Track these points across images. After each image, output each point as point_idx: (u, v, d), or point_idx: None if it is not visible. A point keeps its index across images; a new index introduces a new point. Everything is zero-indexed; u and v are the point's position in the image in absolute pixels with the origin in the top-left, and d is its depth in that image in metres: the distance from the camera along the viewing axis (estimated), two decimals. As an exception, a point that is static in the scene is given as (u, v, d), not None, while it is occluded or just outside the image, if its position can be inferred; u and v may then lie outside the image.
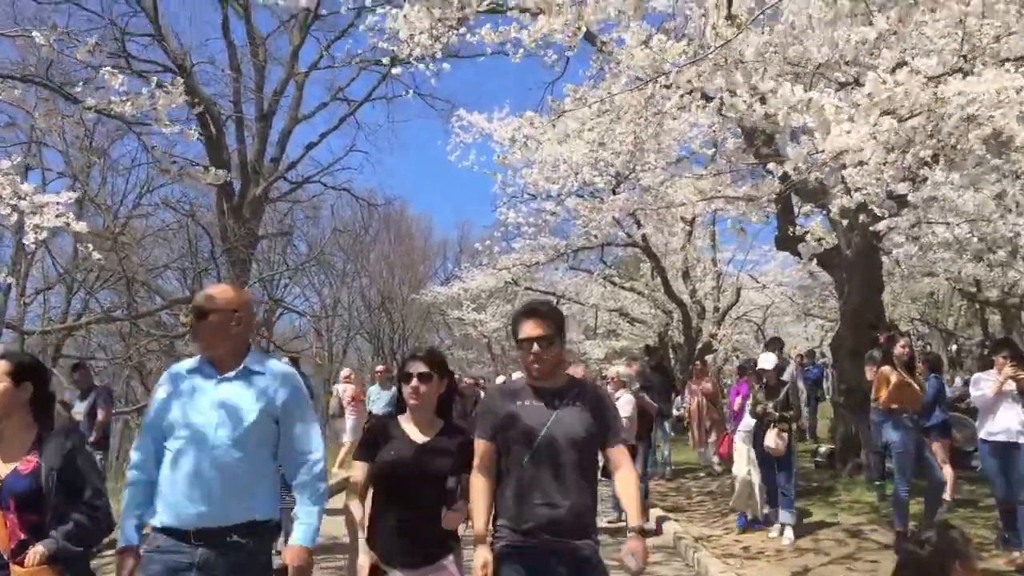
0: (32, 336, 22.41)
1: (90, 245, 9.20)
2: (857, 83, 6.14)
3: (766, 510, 8.65)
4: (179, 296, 24.79)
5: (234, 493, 3.12)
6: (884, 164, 5.80)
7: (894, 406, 7.62)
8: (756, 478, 8.59)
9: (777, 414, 8.10)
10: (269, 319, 32.53)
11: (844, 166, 6.02)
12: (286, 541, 3.37)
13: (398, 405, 3.65)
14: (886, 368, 7.77)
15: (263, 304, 31.18)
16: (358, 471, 3.49)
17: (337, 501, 4.06)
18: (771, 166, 6.32)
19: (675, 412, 15.50)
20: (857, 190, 6.98)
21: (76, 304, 28.74)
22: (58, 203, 7.71)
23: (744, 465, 8.71)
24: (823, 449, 12.20)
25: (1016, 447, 6.99)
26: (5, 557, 3.12)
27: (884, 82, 4.26)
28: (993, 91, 3.96)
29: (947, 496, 8.29)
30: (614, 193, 13.46)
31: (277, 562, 3.37)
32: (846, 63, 6.72)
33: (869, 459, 10.12)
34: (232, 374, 3.26)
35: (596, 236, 17.24)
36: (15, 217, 7.37)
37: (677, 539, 8.58)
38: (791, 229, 10.07)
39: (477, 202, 79.29)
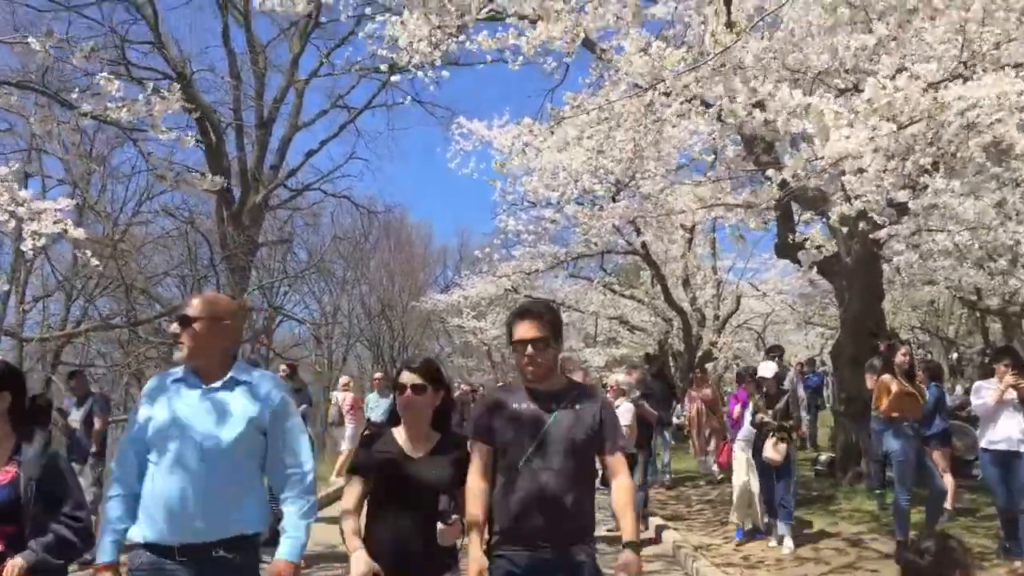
0: (31, 343, 22.43)
1: (88, 252, 9.17)
2: (857, 89, 6.14)
3: (766, 519, 8.61)
4: (178, 303, 24.82)
5: (220, 507, 3.03)
6: (884, 172, 5.78)
7: (895, 415, 7.59)
8: (755, 487, 8.54)
9: (776, 423, 8.03)
10: (269, 326, 32.59)
11: (843, 173, 6.00)
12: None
13: (392, 417, 3.54)
14: (886, 377, 7.74)
15: (263, 312, 31.20)
16: (352, 486, 3.38)
17: (335, 509, 4.02)
18: (770, 173, 6.30)
19: (675, 420, 15.47)
20: (857, 197, 6.96)
21: (75, 311, 28.70)
22: (56, 209, 7.71)
23: (743, 474, 8.66)
24: (823, 457, 12.17)
25: (1017, 456, 6.96)
26: None
27: (884, 88, 4.24)
28: (994, 95, 3.94)
29: (948, 505, 8.25)
30: (614, 200, 13.46)
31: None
32: (846, 71, 6.73)
33: (870, 468, 10.08)
34: (218, 384, 3.18)
35: (596, 244, 17.23)
36: (13, 224, 7.36)
37: (676, 548, 8.53)
38: (791, 237, 10.05)
39: (477, 209, 79.42)
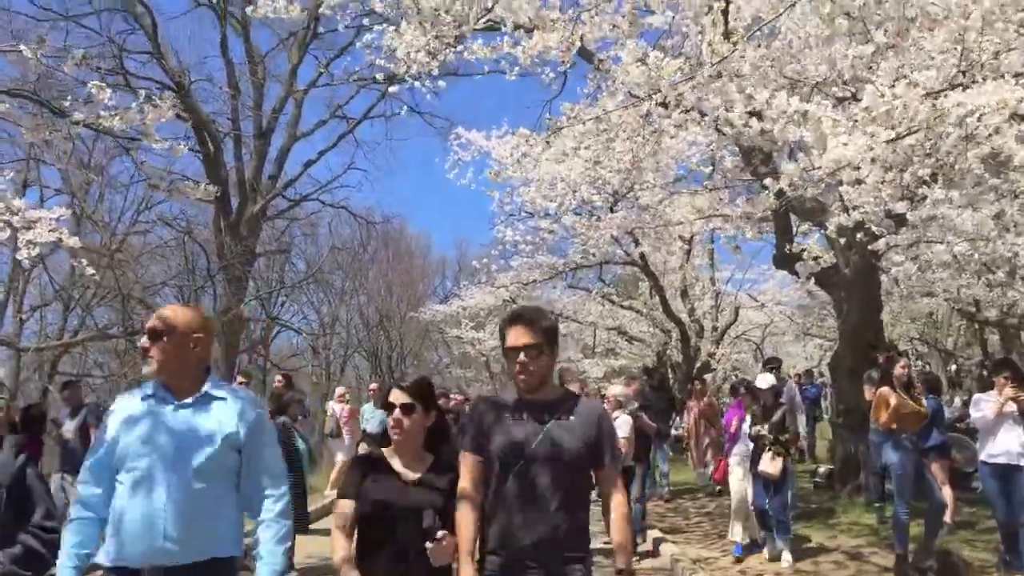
0: (27, 353, 22.40)
1: (84, 261, 9.15)
2: (855, 98, 6.12)
3: (761, 533, 8.54)
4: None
5: (193, 529, 2.89)
6: (882, 183, 5.76)
7: (893, 427, 7.55)
8: (751, 500, 8.46)
9: (772, 437, 7.96)
10: (266, 337, 32.55)
11: (841, 183, 5.97)
12: None
13: (385, 435, 3.37)
14: (885, 389, 7.70)
15: (260, 322, 31.17)
16: (342, 512, 3.21)
17: (329, 522, 3.94)
18: (767, 182, 6.27)
19: (674, 432, 15.41)
20: (855, 208, 6.94)
21: (73, 321, 28.68)
22: (51, 218, 7.69)
23: (740, 488, 8.58)
24: (822, 470, 12.12)
25: (1017, 469, 6.91)
26: None
27: (882, 95, 4.21)
28: (993, 103, 3.92)
29: (947, 518, 8.20)
30: (612, 211, 13.45)
31: None
32: (844, 82, 6.71)
33: (868, 480, 10.03)
34: (190, 400, 3.05)
35: (594, 254, 17.21)
36: (8, 233, 7.34)
37: (674, 561, 8.46)
38: (789, 247, 10.03)
39: (476, 220, 79.33)
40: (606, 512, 3.22)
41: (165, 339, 3.04)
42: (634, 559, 3.48)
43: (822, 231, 9.53)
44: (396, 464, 3.27)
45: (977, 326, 21.74)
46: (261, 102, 23.76)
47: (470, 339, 26.92)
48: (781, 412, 8.14)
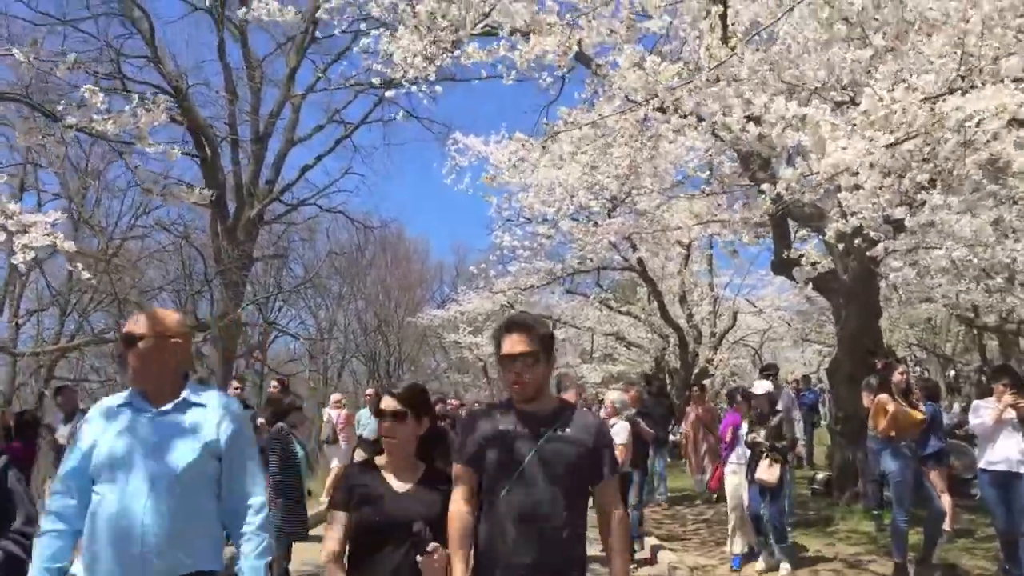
0: (23, 357, 22.33)
1: (79, 265, 9.09)
2: (853, 102, 6.09)
3: (760, 538, 8.47)
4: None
5: (172, 541, 2.79)
6: (880, 188, 5.73)
7: (892, 434, 7.50)
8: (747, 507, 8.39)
9: (768, 443, 7.87)
10: (263, 342, 32.50)
11: (839, 189, 5.94)
12: None
13: (376, 446, 3.29)
14: (883, 396, 7.65)
15: (258, 327, 31.13)
16: (334, 524, 3.08)
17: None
18: (764, 187, 6.24)
19: (672, 438, 15.35)
20: (853, 214, 6.91)
21: (70, 325, 28.61)
22: (47, 222, 7.64)
23: (736, 497, 8.51)
24: (820, 476, 12.07)
25: (1017, 477, 6.85)
26: None
27: (881, 99, 4.18)
28: (992, 107, 3.88)
29: (947, 526, 8.15)
30: (610, 216, 13.43)
31: None
32: (843, 87, 6.69)
33: (867, 488, 9.98)
34: (169, 407, 2.95)
35: (592, 260, 17.19)
36: (3, 236, 7.29)
37: (672, 569, 8.41)
38: (787, 253, 10.00)
39: (474, 225, 79.41)
40: (604, 528, 3.09)
41: (141, 345, 2.95)
42: (631, 567, 3.37)
43: (820, 237, 9.50)
44: (387, 474, 3.16)
45: (976, 332, 21.75)
46: (258, 106, 23.75)
47: (467, 344, 26.94)
48: (778, 419, 8.06)
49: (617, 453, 3.73)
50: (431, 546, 2.90)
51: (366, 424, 12.83)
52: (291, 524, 6.80)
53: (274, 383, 11.23)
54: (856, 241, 8.12)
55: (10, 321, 27.13)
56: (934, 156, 5.13)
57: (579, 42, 6.41)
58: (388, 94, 10.53)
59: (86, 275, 9.15)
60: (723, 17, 5.78)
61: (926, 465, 8.34)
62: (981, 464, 7.18)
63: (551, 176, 11.91)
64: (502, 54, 6.57)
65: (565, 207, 12.59)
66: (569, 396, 7.70)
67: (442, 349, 39.84)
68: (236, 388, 10.50)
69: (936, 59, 4.80)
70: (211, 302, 23.61)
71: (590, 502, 3.22)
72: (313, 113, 76.25)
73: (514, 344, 3.05)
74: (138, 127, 5.83)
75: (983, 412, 7.15)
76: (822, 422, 18.49)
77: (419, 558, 2.92)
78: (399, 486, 3.12)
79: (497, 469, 2.99)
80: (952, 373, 24.98)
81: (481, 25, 6.68)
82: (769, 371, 11.20)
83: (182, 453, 2.88)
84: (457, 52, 7.01)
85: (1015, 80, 4.17)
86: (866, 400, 8.39)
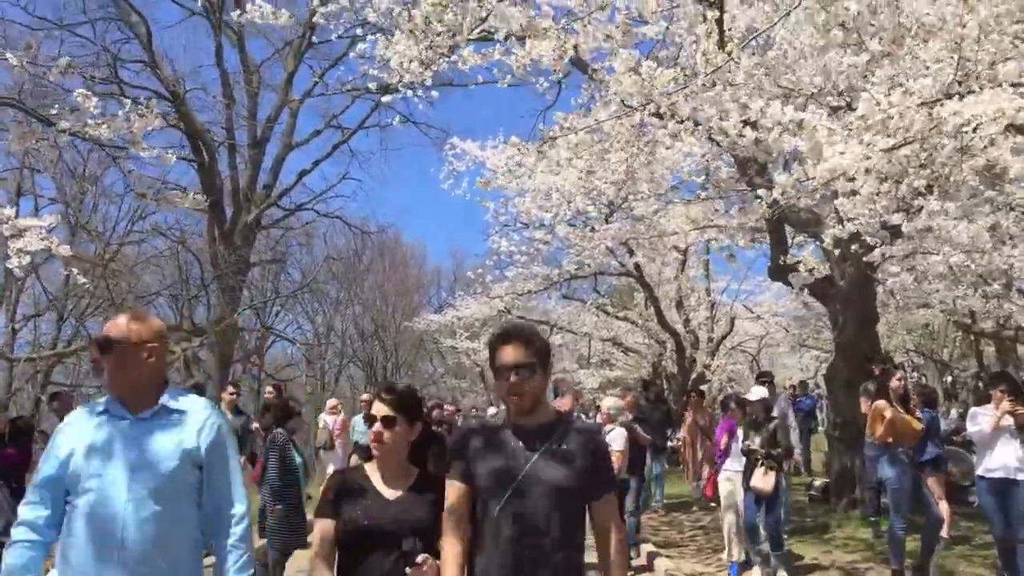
0: (20, 363, 22.27)
1: (75, 269, 9.09)
2: (850, 107, 6.08)
3: (755, 547, 8.42)
4: (169, 323, 24.70)
5: (151, 551, 2.71)
6: (877, 194, 5.72)
7: (889, 441, 7.48)
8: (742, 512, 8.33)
9: (763, 452, 7.78)
10: (260, 347, 32.43)
11: (836, 194, 5.92)
12: None
13: (367, 451, 3.14)
14: (881, 403, 7.63)
15: (255, 332, 31.08)
16: (321, 532, 2.96)
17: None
18: (761, 192, 6.23)
19: (670, 444, 15.32)
20: (850, 220, 6.90)
21: (67, 330, 28.57)
22: (41, 227, 7.62)
23: (730, 502, 8.46)
24: (818, 483, 12.04)
25: (1015, 484, 6.82)
26: None
27: (878, 104, 4.16)
28: (990, 112, 3.86)
29: (944, 533, 8.12)
30: (607, 222, 13.41)
31: None
32: (839, 93, 6.68)
33: (864, 494, 9.95)
34: (147, 414, 2.86)
35: (589, 265, 17.18)
36: (-1, 241, 7.28)
37: (668, 576, 8.39)
38: (783, 259, 9.98)
39: (471, 230, 79.50)
40: (601, 549, 2.94)
41: (117, 350, 2.87)
42: (628, 574, 3.24)
43: (817, 242, 9.49)
44: (377, 480, 3.02)
45: (973, 338, 21.73)
46: (256, 111, 23.72)
47: (465, 349, 26.91)
48: (773, 426, 7.99)
49: (614, 460, 3.64)
50: (420, 557, 2.79)
51: (362, 430, 12.78)
52: (289, 532, 6.74)
53: (269, 389, 11.17)
54: (853, 247, 8.11)
55: (6, 326, 27.12)
56: (931, 162, 5.11)
57: (576, 47, 6.40)
58: (385, 99, 10.51)
59: (82, 279, 9.15)
60: (719, 22, 5.76)
61: (924, 472, 8.32)
62: (979, 471, 7.14)
63: (548, 181, 11.90)
64: (497, 58, 6.55)
65: (562, 212, 12.59)
66: (566, 401, 7.70)
67: (439, 354, 39.83)
68: (231, 393, 10.44)
69: (933, 64, 4.79)
70: (208, 307, 23.61)
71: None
72: (311, 118, 76.32)
73: (511, 354, 2.92)
74: (132, 131, 5.80)
75: (981, 419, 7.12)
76: (819, 428, 18.46)
77: (408, 570, 2.81)
78: (389, 493, 3.00)
79: (491, 486, 2.84)
80: (949, 379, 24.96)
81: (478, 30, 6.67)
82: (765, 378, 11.16)
83: (161, 462, 2.80)
84: (454, 57, 7.00)
85: (1013, 85, 4.16)
86: (864, 406, 8.37)
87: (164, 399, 2.92)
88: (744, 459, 8.02)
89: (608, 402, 8.93)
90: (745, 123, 5.89)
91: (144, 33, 20.57)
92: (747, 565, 8.41)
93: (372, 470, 3.07)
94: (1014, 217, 10.57)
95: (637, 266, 17.22)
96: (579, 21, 5.74)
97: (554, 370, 3.41)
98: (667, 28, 7.21)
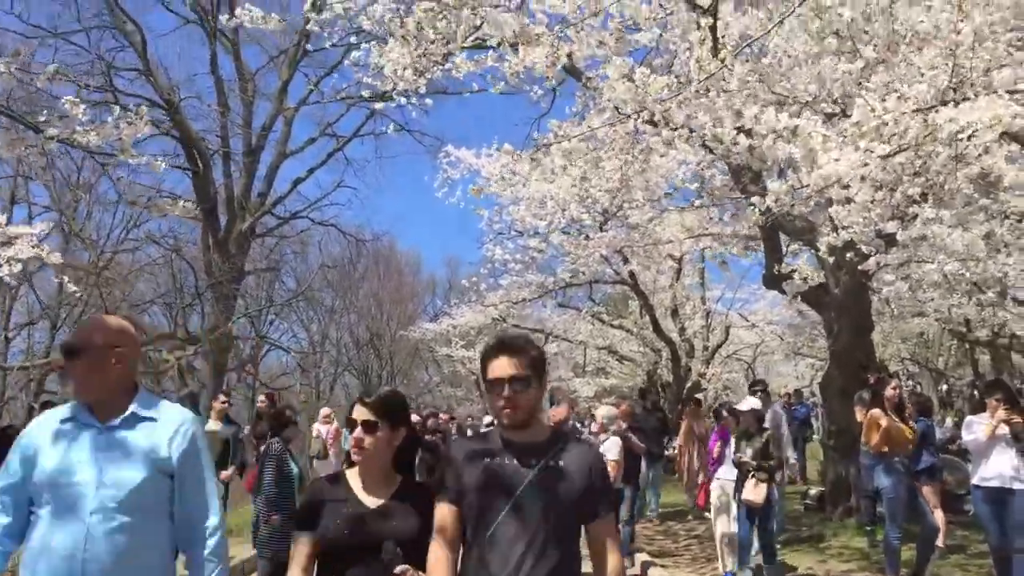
0: (13, 371, 22.20)
1: (66, 277, 9.04)
2: (844, 114, 6.06)
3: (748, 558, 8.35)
4: (163, 332, 24.65)
5: (118, 567, 2.60)
6: (872, 202, 5.69)
7: (885, 449, 7.45)
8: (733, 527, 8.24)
9: (755, 463, 7.65)
10: (255, 356, 32.37)
11: (830, 202, 5.90)
12: None
13: (349, 458, 2.99)
14: (876, 411, 7.61)
15: (249, 340, 31.01)
16: (299, 545, 2.80)
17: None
18: (754, 199, 6.21)
19: (666, 452, 15.27)
20: (844, 228, 6.88)
21: (60, 339, 28.44)
22: (32, 234, 7.59)
23: (723, 516, 8.38)
24: (813, 492, 12.00)
25: (1010, 493, 6.78)
26: None
27: (873, 110, 4.14)
28: (987, 119, 3.84)
29: (940, 542, 8.08)
30: (601, 230, 13.40)
31: None
32: (834, 101, 6.66)
33: (860, 503, 9.92)
34: (116, 422, 2.74)
35: (584, 273, 17.17)
36: (-12, 249, 7.25)
37: (663, 586, 8.33)
38: (778, 267, 9.97)
39: (466, 238, 79.63)
40: (598, 574, 2.80)
41: (85, 355, 2.75)
42: None
43: (812, 251, 9.47)
44: (358, 489, 2.88)
45: (968, 346, 21.74)
46: (250, 120, 23.75)
47: (460, 358, 26.89)
48: (765, 437, 7.89)
49: (609, 469, 3.51)
50: (399, 569, 2.64)
51: (353, 439, 12.70)
52: (280, 542, 6.66)
53: (262, 398, 11.11)
54: (848, 255, 8.09)
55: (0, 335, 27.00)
56: (925, 170, 5.09)
57: (570, 55, 6.38)
58: (378, 107, 10.52)
59: (72, 288, 9.10)
60: (713, 29, 5.75)
61: (919, 480, 8.29)
62: (974, 480, 7.11)
63: (543, 189, 11.90)
64: (491, 64, 6.54)
65: (557, 220, 12.59)
66: (561, 411, 7.65)
67: (434, 363, 39.82)
68: (223, 402, 10.37)
69: (928, 71, 4.77)
70: (202, 315, 23.56)
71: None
72: (305, 126, 76.28)
73: (504, 367, 2.77)
74: (121, 139, 5.75)
75: (976, 428, 7.08)
76: (815, 436, 18.44)
77: None
78: (370, 501, 2.85)
79: (483, 505, 2.70)
80: (944, 388, 24.99)
81: (472, 38, 6.65)
82: (758, 387, 11.12)
83: (129, 472, 2.69)
84: (448, 65, 6.98)
85: (1009, 92, 4.14)
86: (859, 415, 8.35)
87: (134, 406, 2.80)
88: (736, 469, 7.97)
89: (602, 411, 8.89)
90: (739, 130, 5.87)
91: (139, 41, 20.59)
92: None
93: (354, 477, 2.93)
94: (1008, 225, 10.57)
95: (632, 274, 17.21)
96: (572, 27, 5.72)
97: (549, 379, 3.27)
98: (660, 35, 7.19)
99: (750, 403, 8.17)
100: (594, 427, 8.88)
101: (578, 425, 14.40)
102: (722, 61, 4.94)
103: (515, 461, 2.73)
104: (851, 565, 8.47)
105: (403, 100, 7.97)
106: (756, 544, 7.87)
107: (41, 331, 29.57)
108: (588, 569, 2.82)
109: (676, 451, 15.18)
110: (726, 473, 8.32)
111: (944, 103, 4.31)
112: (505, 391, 2.74)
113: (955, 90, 4.41)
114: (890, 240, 8.01)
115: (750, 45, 5.87)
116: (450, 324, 24.04)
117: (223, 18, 6.56)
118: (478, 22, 6.31)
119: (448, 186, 12.63)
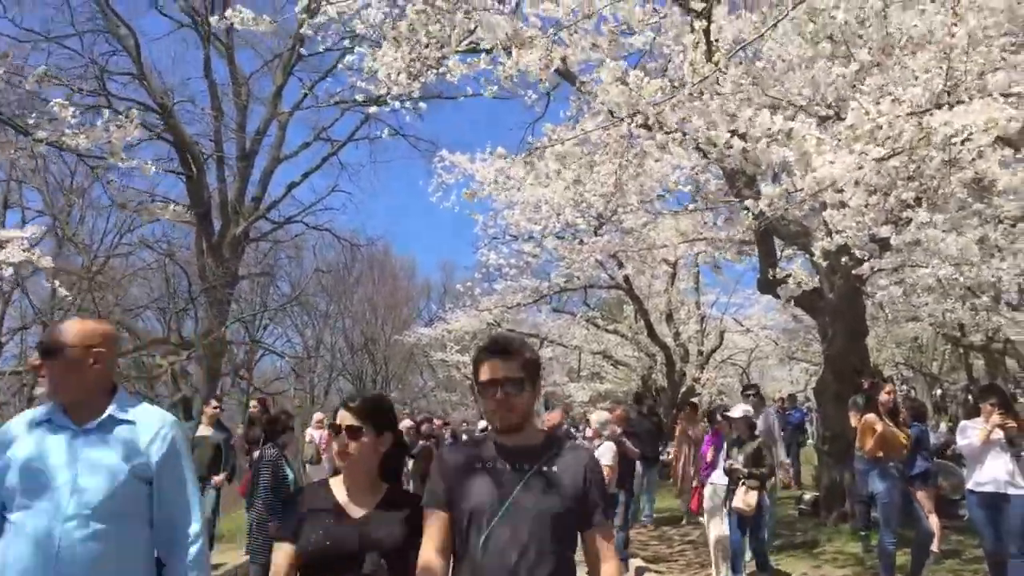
0: (5, 376, 22.07)
1: (57, 281, 8.98)
2: (838, 117, 6.06)
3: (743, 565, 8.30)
4: (157, 336, 24.57)
5: (94, 575, 2.51)
6: (866, 206, 5.69)
7: (879, 454, 7.43)
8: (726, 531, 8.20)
9: (746, 470, 7.58)
10: (249, 361, 32.28)
11: (824, 206, 5.89)
12: None
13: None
14: (870, 416, 7.59)
15: (243, 345, 30.92)
16: (280, 555, 2.70)
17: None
18: (748, 203, 6.19)
19: (661, 457, 15.24)
20: (838, 232, 6.87)
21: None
22: (23, 238, 7.55)
23: (716, 523, 8.34)
24: (807, 496, 11.98)
25: (1005, 498, 6.76)
26: None
27: (867, 113, 4.12)
28: (981, 122, 3.83)
29: (934, 547, 8.07)
30: (596, 234, 13.38)
31: None
32: (828, 105, 6.66)
33: (854, 508, 9.89)
34: (92, 425, 2.66)
35: (578, 277, 17.14)
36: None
37: (657, 591, 8.30)
38: (772, 272, 9.95)
39: (460, 243, 79.54)
40: None
41: (60, 356, 2.68)
42: None
43: (806, 255, 9.46)
44: (341, 497, 2.79)
45: (962, 351, 21.77)
46: (244, 124, 23.73)
47: (455, 363, 26.85)
48: (756, 444, 7.80)
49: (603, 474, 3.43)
50: None
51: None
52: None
53: (254, 403, 11.04)
54: (842, 259, 8.08)
55: (-8, 339, 26.87)
56: (919, 174, 5.08)
57: (564, 59, 6.37)
58: (373, 111, 10.49)
59: (63, 292, 9.05)
60: (707, 32, 5.74)
61: (913, 485, 8.28)
62: (969, 485, 7.08)
63: (537, 194, 11.87)
64: (484, 68, 6.53)
65: (551, 225, 12.56)
66: (555, 415, 7.63)
67: (429, 368, 39.74)
68: (215, 407, 10.31)
69: (922, 74, 4.77)
70: (196, 320, 23.48)
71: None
72: (300, 130, 76.29)
73: (496, 369, 2.70)
74: (111, 142, 5.70)
75: (971, 432, 7.06)
76: (809, 441, 18.42)
77: None
78: (355, 510, 2.76)
79: (474, 514, 2.61)
80: (939, 392, 25.00)
81: (466, 42, 6.64)
82: (750, 391, 11.08)
83: (106, 476, 2.61)
84: (441, 69, 6.96)
85: (1003, 95, 4.13)
86: (853, 420, 8.32)
87: (112, 408, 2.73)
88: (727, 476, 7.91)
89: (596, 416, 8.86)
90: (733, 134, 5.86)
91: (132, 45, 20.55)
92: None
93: (338, 486, 2.83)
94: (1002, 229, 10.58)
95: (627, 279, 17.19)
96: (566, 31, 5.71)
97: (544, 383, 3.20)
98: (654, 39, 7.18)
99: (741, 409, 8.12)
100: (589, 432, 8.85)
101: (572, 430, 14.36)
102: (716, 64, 4.93)
103: (508, 466, 2.66)
104: (846, 570, 8.45)
105: (397, 104, 7.96)
106: (747, 555, 7.84)
107: (34, 336, 29.37)
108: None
109: (671, 456, 15.15)
110: (719, 477, 8.28)
111: (938, 106, 4.30)
112: (498, 393, 2.68)
113: (949, 93, 4.40)
114: (884, 244, 8.01)
115: (744, 48, 5.86)
116: (445, 329, 24.01)
117: (214, 20, 6.51)
118: (472, 26, 6.30)
119: (443, 190, 12.60)
